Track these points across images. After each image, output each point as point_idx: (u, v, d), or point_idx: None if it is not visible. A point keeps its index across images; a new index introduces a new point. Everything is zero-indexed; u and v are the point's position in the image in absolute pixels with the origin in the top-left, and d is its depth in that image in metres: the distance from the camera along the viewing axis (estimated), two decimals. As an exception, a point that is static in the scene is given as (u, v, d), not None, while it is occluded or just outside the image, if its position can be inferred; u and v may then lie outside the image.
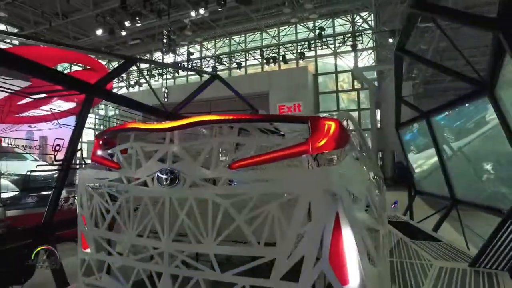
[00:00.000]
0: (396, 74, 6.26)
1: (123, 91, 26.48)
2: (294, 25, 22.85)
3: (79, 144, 3.98)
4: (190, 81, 26.23)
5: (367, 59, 22.48)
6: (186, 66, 23.14)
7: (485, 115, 4.49)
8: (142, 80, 25.62)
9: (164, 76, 24.92)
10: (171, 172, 1.72)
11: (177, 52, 23.28)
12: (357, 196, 1.68)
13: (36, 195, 5.52)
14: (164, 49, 19.22)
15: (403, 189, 8.68)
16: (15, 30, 20.26)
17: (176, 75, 26.76)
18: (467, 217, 6.02)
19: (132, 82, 25.77)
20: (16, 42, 19.16)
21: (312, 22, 22.25)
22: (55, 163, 3.21)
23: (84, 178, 2.20)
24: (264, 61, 22.00)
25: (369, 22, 21.24)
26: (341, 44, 21.46)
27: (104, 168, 2.17)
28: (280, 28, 23.56)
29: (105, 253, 2.10)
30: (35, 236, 3.27)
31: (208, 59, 24.89)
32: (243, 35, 24.57)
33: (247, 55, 23.77)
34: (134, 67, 6.48)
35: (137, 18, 16.94)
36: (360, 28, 21.64)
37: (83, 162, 5.38)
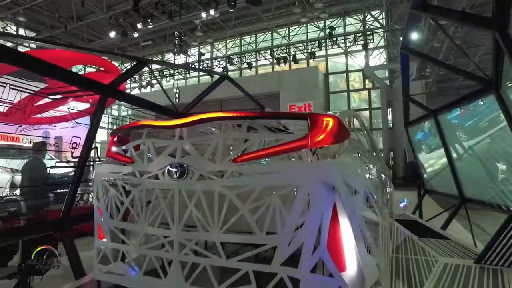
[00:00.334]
0: (403, 73, 6.30)
1: (135, 91, 26.93)
2: (304, 25, 22.86)
3: (94, 143, 4.17)
4: (201, 81, 26.51)
5: (378, 58, 22.32)
6: (197, 66, 23.41)
7: (493, 113, 4.49)
8: (154, 81, 26.04)
9: (176, 77, 25.27)
10: (181, 166, 1.85)
11: (188, 53, 23.58)
12: (356, 189, 1.77)
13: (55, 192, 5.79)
14: (175, 50, 19.51)
15: (414, 189, 8.66)
16: (33, 34, 20.91)
17: (188, 75, 27.07)
18: (476, 216, 6.00)
19: (144, 83, 26.20)
20: (34, 46, 19.75)
21: (322, 21, 22.22)
22: (72, 159, 3.38)
23: (100, 172, 2.35)
24: (275, 61, 22.07)
25: (380, 21, 21.07)
26: (352, 43, 21.36)
27: (119, 163, 2.31)
28: (291, 28, 23.60)
29: (120, 242, 2.25)
30: (54, 229, 3.46)
31: (219, 59, 25.11)
32: (253, 35, 24.71)
33: (257, 55, 23.89)
34: (146, 68, 6.67)
35: (149, 20, 17.25)
36: (371, 26, 21.50)
37: (98, 159, 5.62)
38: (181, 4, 16.56)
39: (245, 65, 23.49)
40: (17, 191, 6.69)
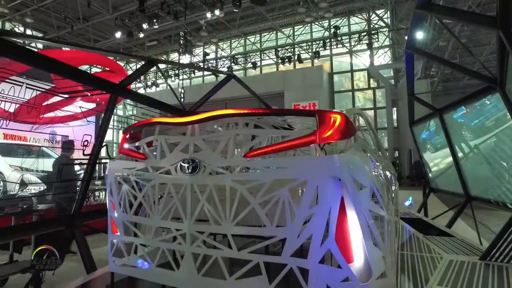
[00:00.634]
0: (408, 71, 6.33)
1: (140, 91, 27.14)
2: (309, 24, 22.87)
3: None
4: (205, 81, 26.63)
5: (383, 57, 22.27)
6: (203, 66, 23.54)
7: (499, 112, 4.50)
8: (159, 81, 26.23)
9: (181, 77, 25.41)
10: (193, 161, 1.92)
11: (193, 53, 23.71)
12: (362, 184, 1.82)
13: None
14: (180, 50, 19.63)
15: (419, 189, 8.67)
16: (40, 35, 21.16)
17: (192, 75, 27.21)
18: (482, 215, 6.01)
19: (149, 83, 26.39)
20: (40, 46, 19.98)
21: (327, 20, 22.22)
22: (84, 157, 3.50)
23: (113, 168, 2.42)
24: (279, 61, 22.12)
25: (385, 20, 21.03)
26: (356, 43, 21.35)
27: (131, 159, 2.39)
28: (295, 27, 23.63)
29: (132, 236, 2.32)
30: (66, 224, 3.55)
31: (224, 59, 25.21)
32: (258, 35, 24.77)
33: (262, 55, 23.96)
34: (151, 68, 6.75)
35: (155, 20, 17.39)
36: (376, 26, 21.46)
37: (108, 157, 5.75)
38: (186, 4, 16.66)
39: (249, 65, 23.57)
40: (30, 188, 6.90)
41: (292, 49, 22.66)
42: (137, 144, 2.33)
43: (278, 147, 1.81)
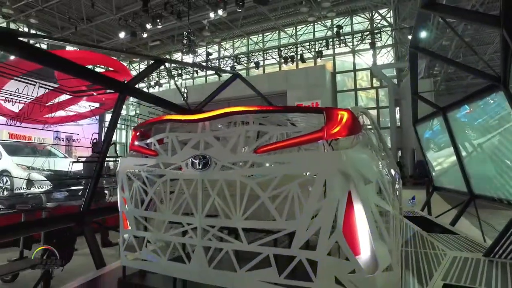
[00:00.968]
0: (412, 70, 6.37)
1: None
2: (311, 24, 22.90)
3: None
4: (208, 81, 26.71)
5: (386, 57, 22.26)
6: (208, 66, 23.64)
7: (503, 111, 4.53)
8: (162, 81, 26.33)
9: (184, 77, 25.50)
10: (204, 157, 1.97)
11: (196, 53, 23.80)
12: (368, 178, 1.87)
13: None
14: (184, 50, 19.72)
15: (423, 188, 8.68)
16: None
17: (195, 75, 27.30)
18: (486, 214, 6.02)
19: (152, 83, 26.50)
20: (44, 46, 20.10)
21: (329, 20, 22.24)
22: (93, 155, 3.58)
23: (124, 165, 2.49)
24: (282, 60, 22.16)
25: (388, 19, 21.02)
26: (359, 42, 21.36)
27: (141, 156, 2.45)
28: (298, 27, 23.66)
29: (144, 231, 2.38)
30: (75, 221, 3.61)
31: (227, 59, 25.28)
32: (261, 35, 24.82)
33: (265, 54, 24.00)
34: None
35: (158, 21, 17.47)
36: (379, 25, 21.45)
37: (116, 155, 5.92)
38: (189, 4, 16.73)
39: (252, 65, 23.62)
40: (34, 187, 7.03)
41: (294, 49, 22.70)
42: (148, 141, 2.39)
43: (287, 143, 1.86)
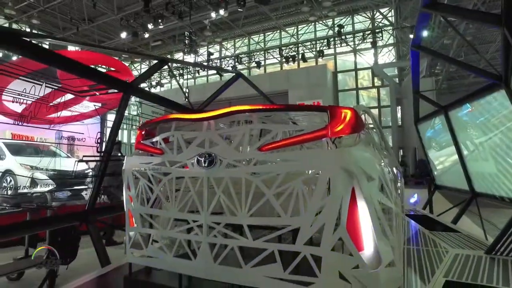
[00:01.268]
0: (413, 69, 6.39)
1: (145, 91, 27.22)
2: (313, 23, 22.88)
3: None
4: (210, 81, 26.72)
5: (387, 56, 22.22)
6: (211, 65, 23.67)
7: (505, 109, 4.54)
8: (163, 81, 26.37)
9: (185, 76, 25.52)
10: (209, 155, 2.01)
11: (198, 53, 23.83)
12: (371, 176, 1.90)
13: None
14: (185, 50, 19.75)
15: (424, 187, 8.71)
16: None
17: (197, 75, 27.31)
18: (488, 213, 6.04)
19: (153, 83, 26.53)
20: (46, 46, 20.14)
21: (331, 19, 22.20)
22: (97, 154, 3.64)
23: (130, 163, 2.52)
24: (283, 60, 22.15)
25: (389, 18, 20.99)
26: (360, 41, 21.33)
27: (147, 154, 2.48)
28: (299, 26, 23.63)
29: (149, 228, 2.42)
30: (80, 220, 3.66)
31: (228, 58, 25.29)
32: (262, 35, 24.81)
33: (266, 54, 24.00)
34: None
35: (160, 21, 17.50)
36: (380, 24, 21.43)
37: (120, 154, 5.97)
38: (191, 4, 16.76)
39: (253, 64, 23.62)
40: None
41: (296, 48, 22.68)
42: (154, 140, 2.42)
43: (292, 141, 1.89)
